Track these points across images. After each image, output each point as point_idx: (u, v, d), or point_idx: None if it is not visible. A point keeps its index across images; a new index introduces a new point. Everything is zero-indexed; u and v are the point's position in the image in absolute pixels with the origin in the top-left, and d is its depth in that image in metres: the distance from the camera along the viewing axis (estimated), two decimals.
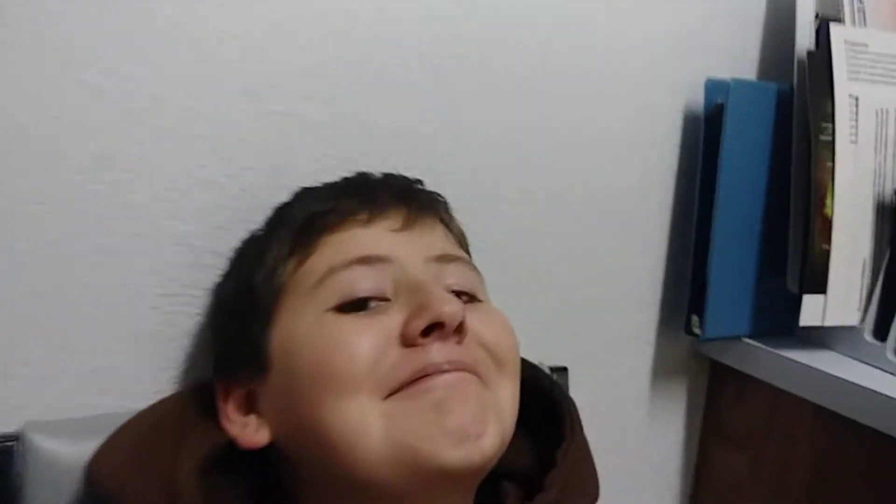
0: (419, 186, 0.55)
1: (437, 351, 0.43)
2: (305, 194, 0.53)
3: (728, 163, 0.71)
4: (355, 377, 0.42)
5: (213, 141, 0.54)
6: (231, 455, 0.46)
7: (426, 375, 0.42)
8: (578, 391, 0.70)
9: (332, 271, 0.45)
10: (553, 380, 0.55)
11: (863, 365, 0.70)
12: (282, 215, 0.51)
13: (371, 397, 0.42)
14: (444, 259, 0.48)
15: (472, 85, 0.64)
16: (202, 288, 0.54)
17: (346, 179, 0.54)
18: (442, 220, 0.52)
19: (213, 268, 0.53)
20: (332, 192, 0.51)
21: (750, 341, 0.76)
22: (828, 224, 0.68)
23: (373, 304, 0.45)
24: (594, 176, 0.72)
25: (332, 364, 0.42)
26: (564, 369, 0.70)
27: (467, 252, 0.55)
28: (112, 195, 0.51)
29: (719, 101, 0.71)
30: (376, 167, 0.55)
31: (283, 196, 0.54)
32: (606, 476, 0.53)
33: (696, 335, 0.75)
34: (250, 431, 0.46)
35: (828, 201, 0.69)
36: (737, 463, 0.84)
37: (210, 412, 0.48)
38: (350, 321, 0.44)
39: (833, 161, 0.68)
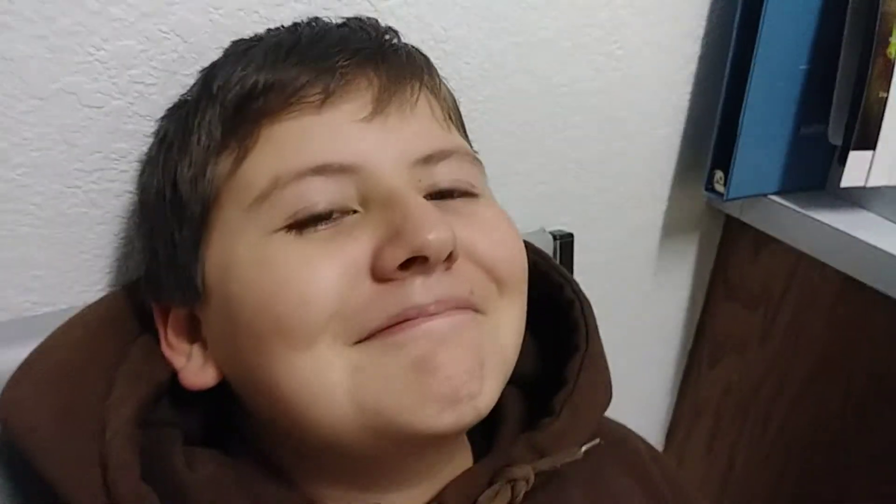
0: (393, 40, 0.41)
1: (421, 288, 0.33)
2: (239, 55, 0.39)
3: None
4: (313, 323, 0.33)
5: None
6: (178, 385, 0.39)
7: (407, 320, 0.33)
8: (583, 253, 0.63)
9: (277, 184, 0.34)
10: (565, 274, 0.46)
11: None
12: (209, 85, 0.38)
13: (334, 344, 0.33)
14: (430, 160, 0.37)
15: None
16: (130, 160, 0.43)
17: (294, 28, 0.41)
18: (426, 89, 0.39)
19: (140, 134, 0.42)
20: (274, 54, 0.37)
21: (775, 198, 0.68)
22: (889, 67, 0.58)
23: (335, 216, 0.35)
24: (606, 6, 0.58)
25: (281, 306, 0.33)
26: (570, 236, 0.62)
27: (460, 125, 0.43)
28: None
29: None
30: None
31: (222, 38, 0.42)
32: (604, 334, 0.46)
33: (718, 193, 0.66)
34: (194, 367, 0.38)
35: (892, 39, 0.58)
36: (743, 322, 0.80)
37: (150, 321, 0.40)
38: (304, 245, 0.34)
39: None
